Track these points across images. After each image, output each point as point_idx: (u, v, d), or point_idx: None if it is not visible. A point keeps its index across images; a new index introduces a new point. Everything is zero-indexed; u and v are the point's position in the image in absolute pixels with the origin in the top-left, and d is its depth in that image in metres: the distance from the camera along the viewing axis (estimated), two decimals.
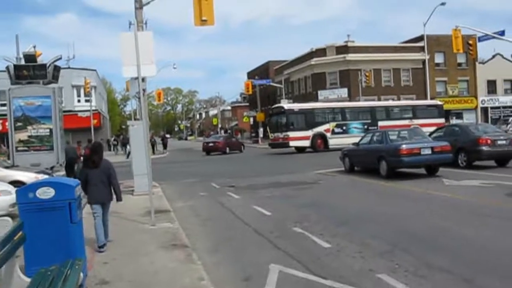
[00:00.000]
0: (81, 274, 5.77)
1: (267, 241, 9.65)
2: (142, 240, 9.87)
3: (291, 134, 38.93)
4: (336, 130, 41.06)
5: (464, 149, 20.59)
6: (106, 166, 9.57)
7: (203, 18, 17.09)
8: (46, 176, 14.49)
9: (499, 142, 20.57)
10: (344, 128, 41.51)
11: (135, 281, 7.03)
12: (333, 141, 39.75)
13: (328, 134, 40.66)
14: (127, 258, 8.41)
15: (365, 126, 41.39)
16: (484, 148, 20.23)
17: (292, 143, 39.31)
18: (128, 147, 58.84)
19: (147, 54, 11.45)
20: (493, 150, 20.36)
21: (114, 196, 9.73)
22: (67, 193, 6.74)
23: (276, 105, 44.89)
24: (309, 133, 39.76)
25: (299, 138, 39.11)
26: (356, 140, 30.14)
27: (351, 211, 12.59)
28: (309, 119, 40.41)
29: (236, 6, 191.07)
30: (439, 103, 49.24)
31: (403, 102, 50.34)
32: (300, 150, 39.97)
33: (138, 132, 16.64)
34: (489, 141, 20.34)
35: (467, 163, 20.61)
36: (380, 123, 41.05)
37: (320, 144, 39.99)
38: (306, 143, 39.67)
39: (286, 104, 44.53)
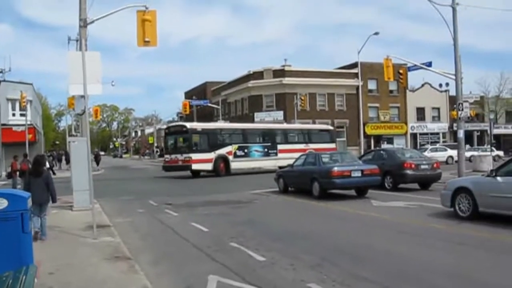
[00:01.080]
0: (36, 280, 6.15)
1: (205, 255, 10.18)
2: (85, 252, 10.20)
3: (194, 156, 35.58)
4: (238, 153, 38.79)
5: (391, 172, 21.89)
6: (46, 175, 12.23)
7: (146, 39, 17.49)
8: None
9: (422, 167, 22.08)
10: (246, 151, 39.42)
11: None
12: (235, 165, 38.22)
13: (231, 157, 38.14)
14: (72, 269, 8.76)
15: (266, 150, 40.76)
16: (409, 172, 21.64)
17: (194, 166, 35.80)
18: (61, 162, 58.74)
19: (94, 74, 11.85)
20: (417, 174, 21.86)
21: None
22: (20, 204, 7.11)
23: (176, 124, 43.31)
24: (212, 155, 36.76)
25: (202, 160, 35.88)
26: (257, 165, 36.80)
27: (285, 228, 13.31)
28: (212, 140, 37.70)
29: (176, 25, 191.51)
30: (331, 128, 49.62)
31: (299, 126, 49.89)
32: (195, 174, 36.99)
33: (79, 148, 16.87)
34: (413, 165, 21.77)
35: (393, 185, 21.95)
36: (280, 147, 41.29)
37: (222, 168, 37.33)
38: (209, 166, 36.54)
39: (188, 123, 40.11)
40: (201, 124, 42.20)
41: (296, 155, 36.04)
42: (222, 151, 37.74)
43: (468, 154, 39.63)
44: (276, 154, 41.08)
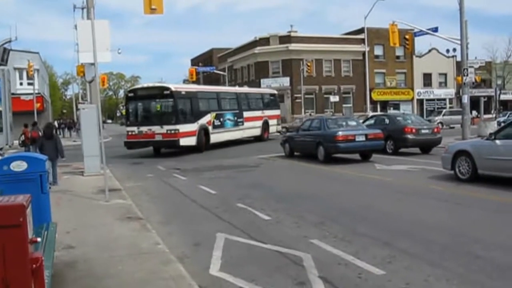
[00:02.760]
0: (56, 235, 6.64)
1: (213, 214, 10.67)
2: (99, 213, 10.71)
3: (182, 128, 26.47)
4: (216, 122, 30.67)
5: (392, 137, 22.28)
6: (55, 137, 16.59)
7: (153, 6, 17.74)
8: None
9: (422, 131, 22.49)
10: (221, 120, 31.56)
11: (99, 246, 7.91)
12: (214, 137, 30.04)
13: (210, 128, 29.71)
14: (87, 228, 9.26)
15: (236, 118, 33.34)
16: (410, 136, 22.03)
17: (182, 141, 26.50)
18: (71, 130, 59.63)
19: (103, 42, 12.19)
20: (417, 138, 22.27)
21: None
22: (39, 166, 7.54)
23: (153, 85, 29.50)
24: (195, 126, 27.87)
25: (187, 133, 26.98)
26: (230, 136, 32.54)
27: (290, 190, 13.78)
28: (195, 108, 28.59)
29: None
30: (275, 92, 43.48)
31: (257, 90, 43.43)
32: (157, 150, 28.68)
33: (89, 115, 17.32)
34: (413, 130, 22.18)
35: (394, 149, 22.38)
36: (245, 114, 34.45)
37: (204, 141, 28.65)
38: (193, 140, 27.46)
39: (172, 85, 29.40)
40: (184, 86, 34.39)
41: (258, 123, 36.07)
42: (203, 120, 29.01)
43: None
44: (243, 123, 34.05)
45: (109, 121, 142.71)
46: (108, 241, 8.22)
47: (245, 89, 42.93)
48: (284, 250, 7.64)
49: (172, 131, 25.98)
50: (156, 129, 26.32)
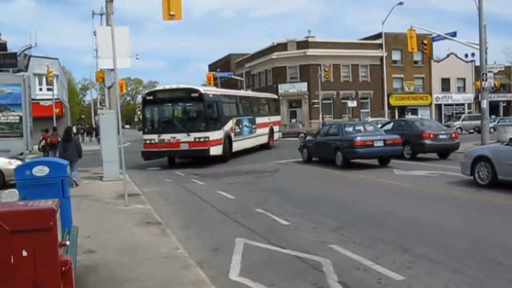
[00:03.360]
0: (78, 239, 6.72)
1: (232, 220, 10.71)
2: (118, 218, 10.81)
3: (212, 135, 23.20)
4: (236, 129, 27.72)
5: (409, 142, 22.18)
6: (74, 140, 18.19)
7: (171, 13, 17.81)
8: (18, 162, 15.22)
9: (440, 137, 22.39)
10: (240, 126, 28.59)
11: (119, 250, 7.99)
12: (235, 146, 27.00)
13: (232, 135, 26.60)
14: (107, 233, 9.36)
15: (251, 125, 30.50)
16: (427, 141, 21.93)
17: (212, 151, 23.19)
18: (91, 136, 60.28)
19: (123, 48, 12.34)
20: (435, 144, 22.16)
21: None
22: (60, 171, 7.64)
23: (180, 87, 24.82)
24: (221, 134, 24.67)
25: (216, 142, 23.77)
26: (248, 144, 29.12)
27: (308, 195, 13.79)
28: (220, 113, 25.21)
29: None
30: (276, 97, 41.82)
31: (262, 95, 38.98)
32: (172, 160, 25.47)
33: (108, 120, 17.49)
34: (431, 135, 22.07)
35: (411, 155, 22.29)
36: (257, 121, 31.60)
37: (228, 150, 25.62)
38: (219, 149, 24.06)
39: (200, 87, 26.32)
40: (211, 89, 29.34)
41: (266, 130, 33.26)
42: (227, 127, 25.99)
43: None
44: (255, 130, 31.29)
45: (127, 126, 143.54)
46: (128, 246, 8.29)
47: (254, 93, 41.59)
48: (303, 255, 7.65)
49: (201, 139, 22.55)
50: (181, 137, 22.70)
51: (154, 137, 23.25)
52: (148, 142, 23.51)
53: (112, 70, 13.37)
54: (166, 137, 23.01)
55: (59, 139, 23.73)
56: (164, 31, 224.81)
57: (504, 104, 70.69)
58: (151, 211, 11.56)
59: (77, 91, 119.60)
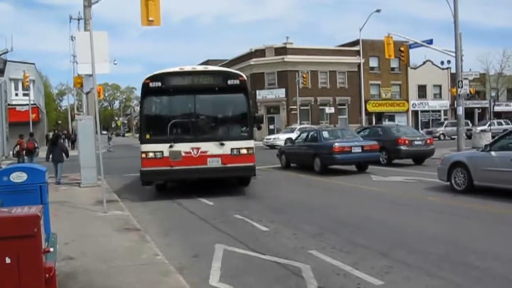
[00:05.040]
0: (57, 246, 6.67)
1: (211, 226, 10.71)
2: (97, 225, 10.73)
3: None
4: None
5: (385, 148, 22.41)
6: (61, 143, 20.43)
7: (150, 18, 17.80)
8: None
9: (416, 143, 22.72)
10: None
11: (98, 257, 7.93)
12: None
13: None
14: (86, 239, 9.28)
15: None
16: (403, 147, 22.23)
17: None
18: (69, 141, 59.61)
19: (102, 53, 12.31)
20: (410, 150, 22.48)
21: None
22: (39, 177, 7.57)
23: (207, 68, 16.66)
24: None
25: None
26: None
27: (287, 201, 13.85)
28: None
29: (177, 4, 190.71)
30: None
31: None
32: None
33: (86, 126, 17.36)
34: (407, 142, 22.39)
35: (387, 161, 22.51)
36: None
37: None
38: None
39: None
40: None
41: None
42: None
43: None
44: None
45: (104, 132, 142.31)
46: (107, 252, 8.24)
47: None
48: (283, 261, 7.69)
49: (244, 151, 14.99)
50: (209, 147, 14.75)
51: (162, 147, 14.63)
52: (150, 156, 14.70)
53: (90, 75, 13.30)
54: (183, 147, 14.65)
55: (36, 145, 23.53)
56: (142, 36, 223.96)
57: (479, 111, 71.64)
58: (130, 217, 11.51)
59: (54, 96, 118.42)
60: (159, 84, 14.69)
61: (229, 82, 15.01)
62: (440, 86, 70.38)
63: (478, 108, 71.06)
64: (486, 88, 72.25)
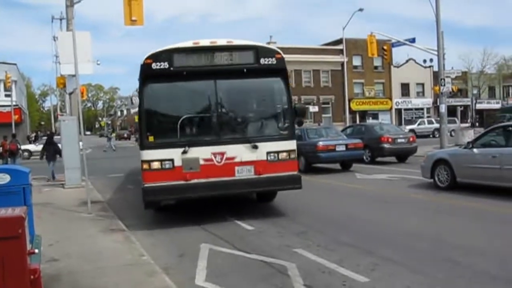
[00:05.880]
0: (42, 248, 6.63)
1: (196, 225, 10.68)
2: (81, 226, 10.68)
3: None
4: None
5: (369, 146, 22.55)
6: (54, 143, 20.59)
7: (133, 18, 17.71)
8: None
9: (398, 140, 22.88)
10: None
11: (83, 258, 7.90)
12: None
13: None
14: (70, 241, 9.24)
15: None
16: (386, 145, 22.38)
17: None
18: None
19: (85, 53, 12.25)
20: (393, 148, 22.64)
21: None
22: (22, 179, 7.52)
23: (233, 43, 11.32)
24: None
25: None
26: None
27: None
28: None
29: (161, 3, 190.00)
30: None
31: None
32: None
33: (70, 127, 17.26)
34: (390, 139, 22.53)
35: (371, 159, 22.66)
36: None
37: None
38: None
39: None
40: None
41: None
42: None
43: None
44: None
45: (88, 132, 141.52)
46: (92, 253, 8.21)
47: None
48: (269, 259, 7.72)
49: (285, 156, 11.15)
50: (237, 151, 10.89)
51: (173, 154, 10.62)
52: (155, 167, 10.59)
53: (73, 75, 13.22)
54: (202, 152, 10.72)
55: (19, 146, 23.37)
56: (126, 36, 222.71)
57: (462, 109, 72.27)
58: (115, 218, 11.48)
59: (36, 97, 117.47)
60: (166, 65, 10.63)
61: (263, 61, 11.16)
62: (423, 84, 70.89)
63: (461, 106, 71.69)
64: (468, 86, 72.93)
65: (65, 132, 17.76)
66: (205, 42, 11.06)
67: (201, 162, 10.56)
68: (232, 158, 10.71)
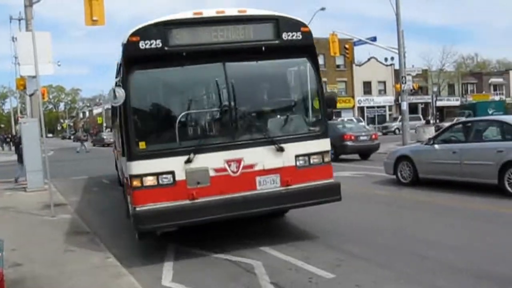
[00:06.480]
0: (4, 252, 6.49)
1: None
2: (45, 229, 10.50)
3: None
4: None
5: (332, 144, 22.66)
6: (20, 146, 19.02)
7: (94, 18, 17.51)
8: None
9: (361, 138, 23.19)
10: None
11: (47, 262, 7.78)
12: None
13: None
14: (34, 245, 9.09)
15: None
16: (349, 143, 22.68)
17: None
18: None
19: (45, 54, 12.03)
20: (356, 145, 22.96)
21: None
22: None
23: (251, 13, 8.59)
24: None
25: None
26: None
27: None
28: None
29: (123, 3, 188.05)
30: None
31: None
32: None
33: (31, 129, 16.95)
34: (353, 137, 22.82)
35: (334, 156, 22.82)
36: None
37: None
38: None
39: None
40: None
41: None
42: None
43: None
44: None
45: (50, 135, 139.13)
46: (57, 257, 8.09)
47: None
48: (235, 258, 7.74)
49: (316, 159, 8.76)
50: (258, 155, 8.29)
51: (173, 164, 7.94)
52: (149, 183, 7.86)
53: (34, 77, 12.99)
54: (211, 160, 8.11)
55: None
56: (87, 36, 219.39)
57: (422, 106, 73.52)
58: (79, 220, 11.33)
59: None
60: (158, 43, 7.91)
61: (286, 36, 8.62)
62: (384, 82, 71.94)
63: (421, 103, 72.91)
64: (428, 84, 74.28)
65: (26, 135, 17.41)
66: (209, 13, 8.36)
67: (212, 173, 7.97)
68: (252, 166, 8.19)
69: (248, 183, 8.11)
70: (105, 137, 61.89)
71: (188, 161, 7.84)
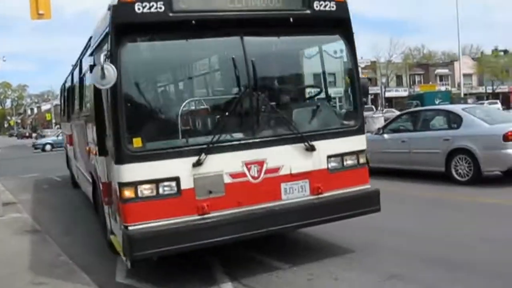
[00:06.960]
0: None
1: None
2: None
3: None
4: None
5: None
6: None
7: (40, 11, 17.10)
8: None
9: None
10: None
11: None
12: None
13: None
14: None
15: None
16: None
17: None
18: None
19: None
20: None
21: None
22: None
23: None
24: None
25: None
26: None
27: None
28: None
29: None
30: None
31: None
32: None
33: None
34: None
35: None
36: None
37: None
38: None
39: None
40: None
41: None
42: None
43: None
44: None
45: None
46: (7, 257, 7.93)
47: None
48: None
49: (351, 160, 7.12)
50: (283, 156, 6.53)
51: (178, 167, 5.99)
52: (146, 193, 5.87)
53: None
54: (227, 163, 6.23)
55: None
56: (34, 30, 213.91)
57: (372, 97, 74.68)
58: (29, 219, 11.10)
59: None
60: (160, 7, 5.93)
61: (317, 5, 6.76)
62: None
63: (371, 94, 74.09)
64: (377, 75, 75.60)
65: None
66: None
67: (227, 179, 6.20)
68: (276, 170, 6.46)
69: (272, 192, 6.42)
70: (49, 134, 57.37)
71: (198, 163, 6.02)
